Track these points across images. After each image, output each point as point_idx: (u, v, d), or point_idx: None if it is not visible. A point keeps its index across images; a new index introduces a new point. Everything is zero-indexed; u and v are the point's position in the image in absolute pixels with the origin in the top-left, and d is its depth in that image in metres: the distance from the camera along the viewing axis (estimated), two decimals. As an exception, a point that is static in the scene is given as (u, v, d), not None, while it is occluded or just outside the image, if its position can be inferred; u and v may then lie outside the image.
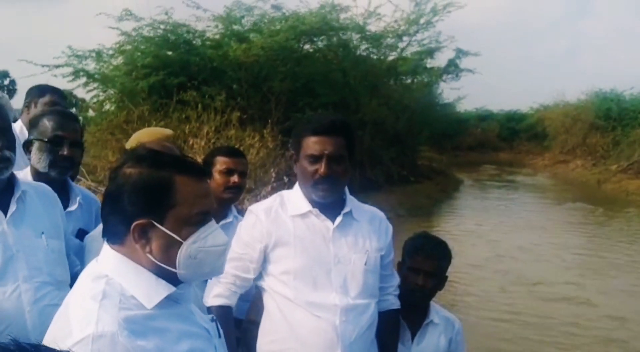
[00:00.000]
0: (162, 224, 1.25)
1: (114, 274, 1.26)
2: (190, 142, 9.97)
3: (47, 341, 1.21)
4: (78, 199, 2.36)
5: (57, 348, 0.90)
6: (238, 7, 13.02)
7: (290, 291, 1.97)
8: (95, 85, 12.67)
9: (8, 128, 1.89)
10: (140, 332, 1.19)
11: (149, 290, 1.26)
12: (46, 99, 3.47)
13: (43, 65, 11.63)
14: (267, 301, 2.06)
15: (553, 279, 8.36)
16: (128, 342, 1.16)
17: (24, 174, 2.34)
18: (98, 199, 2.57)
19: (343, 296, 1.96)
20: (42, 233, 1.94)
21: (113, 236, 1.30)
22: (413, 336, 2.37)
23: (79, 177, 8.82)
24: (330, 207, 2.02)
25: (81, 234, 2.29)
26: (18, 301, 1.82)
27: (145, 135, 2.49)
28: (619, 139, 24.72)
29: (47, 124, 2.25)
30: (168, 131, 2.69)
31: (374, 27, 15.15)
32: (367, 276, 2.02)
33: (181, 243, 1.26)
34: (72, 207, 2.33)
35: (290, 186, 8.64)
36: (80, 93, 12.80)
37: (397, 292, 2.23)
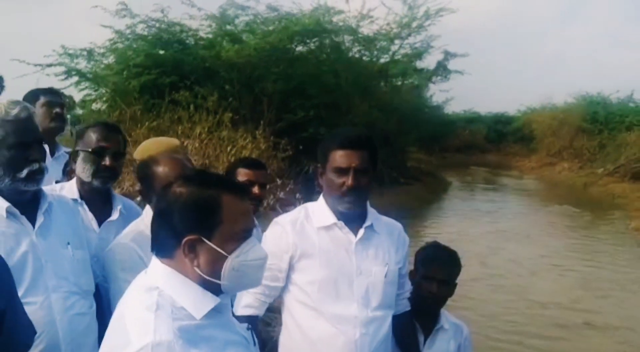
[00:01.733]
0: (210, 240, 1.35)
1: (165, 286, 1.35)
2: (184, 143, 9.94)
3: (104, 350, 1.31)
4: (119, 208, 2.45)
5: None
6: (232, 7, 13.02)
7: (313, 301, 2.03)
8: (87, 84, 12.61)
9: (40, 140, 1.95)
10: (193, 341, 1.28)
11: (197, 301, 1.35)
12: (41, 101, 3.50)
13: (35, 65, 11.56)
14: (286, 316, 2.13)
15: (538, 286, 8.51)
16: (183, 350, 1.24)
17: (69, 185, 2.44)
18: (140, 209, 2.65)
19: (363, 308, 2.04)
20: (68, 243, 2.00)
21: (162, 250, 1.40)
22: (425, 340, 2.46)
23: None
24: (353, 219, 2.10)
25: (112, 243, 2.35)
26: (49, 310, 1.87)
27: (154, 146, 2.54)
28: (605, 143, 25.01)
29: (91, 135, 2.36)
30: (175, 141, 2.74)
31: (366, 29, 15.28)
32: (386, 287, 2.11)
33: (226, 257, 1.36)
34: (114, 217, 2.42)
35: (283, 187, 8.66)
36: (71, 92, 12.72)
37: (408, 295, 2.33)
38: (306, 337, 2.04)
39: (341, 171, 2.02)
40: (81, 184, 2.39)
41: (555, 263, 9.61)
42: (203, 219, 1.35)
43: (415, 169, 20.37)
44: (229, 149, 10.03)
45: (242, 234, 1.38)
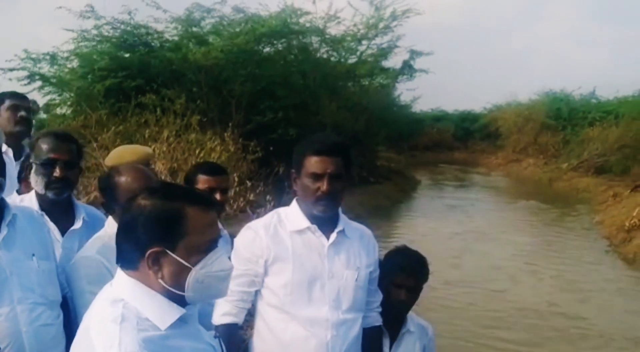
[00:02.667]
0: (173, 252, 1.35)
1: (130, 298, 1.36)
2: (151, 147, 9.84)
3: None
4: (82, 216, 2.43)
5: None
6: (198, 9, 12.93)
7: (285, 304, 2.06)
8: (51, 88, 12.39)
9: None
10: None
11: (161, 312, 1.36)
12: (6, 104, 3.47)
13: (-1, 69, 11.32)
14: (258, 320, 2.16)
15: (499, 277, 8.66)
16: None
17: (29, 197, 2.42)
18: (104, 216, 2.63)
19: (335, 310, 2.08)
20: (33, 255, 1.98)
21: (127, 262, 1.39)
22: (391, 343, 2.51)
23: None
24: (326, 224, 2.14)
25: (75, 256, 2.32)
26: (15, 321, 1.86)
27: (128, 153, 2.53)
28: (569, 138, 25.54)
29: (41, 146, 2.34)
30: (148, 150, 2.72)
31: (333, 30, 15.31)
32: (357, 291, 2.15)
33: (190, 269, 1.36)
34: (77, 226, 2.41)
35: (253, 189, 8.61)
36: (35, 96, 12.47)
37: (380, 309, 2.37)
38: (278, 340, 2.07)
39: (316, 177, 2.05)
40: (39, 195, 2.38)
41: (526, 262, 9.77)
42: (167, 231, 1.35)
43: (385, 168, 20.51)
44: (197, 152, 9.95)
45: (207, 246, 1.39)
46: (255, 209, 8.87)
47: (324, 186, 2.04)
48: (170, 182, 1.60)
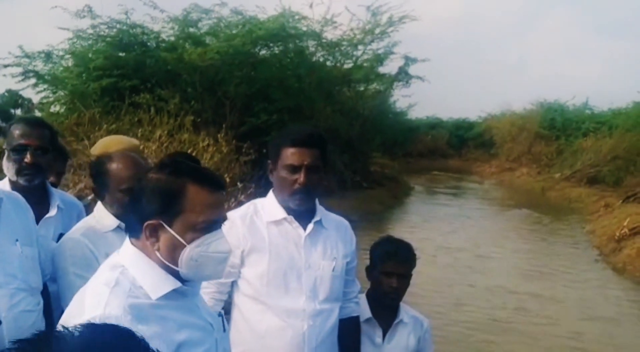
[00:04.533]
0: (170, 227, 1.39)
1: (129, 266, 1.41)
2: (141, 147, 9.80)
3: (62, 319, 1.37)
4: (57, 204, 2.41)
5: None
6: (195, 10, 12.94)
7: (262, 295, 2.06)
8: (45, 86, 12.37)
9: None
10: (143, 319, 1.33)
11: (156, 283, 1.40)
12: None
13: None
14: (234, 311, 2.15)
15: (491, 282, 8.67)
16: (130, 326, 1.24)
17: (2, 184, 2.39)
18: (80, 203, 2.62)
19: (311, 301, 2.08)
20: (17, 240, 1.96)
21: (132, 231, 1.45)
22: (384, 334, 2.49)
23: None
24: (303, 215, 2.13)
25: (62, 238, 2.31)
26: None
27: (114, 143, 2.53)
28: (562, 148, 25.64)
29: (13, 132, 2.31)
30: (134, 141, 2.72)
31: (330, 34, 15.36)
32: (334, 281, 2.15)
33: (185, 246, 1.40)
34: (52, 213, 2.38)
35: (244, 190, 8.59)
36: (29, 94, 12.47)
37: (357, 299, 2.36)
38: (254, 331, 2.06)
39: (293, 169, 2.05)
40: (11, 182, 2.35)
41: (515, 268, 9.80)
42: (166, 205, 1.39)
43: (378, 174, 20.52)
44: (189, 152, 9.91)
45: (203, 226, 1.41)
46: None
47: (301, 178, 2.03)
48: (183, 160, 1.65)
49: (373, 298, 2.48)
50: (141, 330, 1.25)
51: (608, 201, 15.95)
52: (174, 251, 1.40)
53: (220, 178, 1.52)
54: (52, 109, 12.92)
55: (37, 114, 13.23)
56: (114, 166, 2.17)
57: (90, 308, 1.31)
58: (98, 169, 2.22)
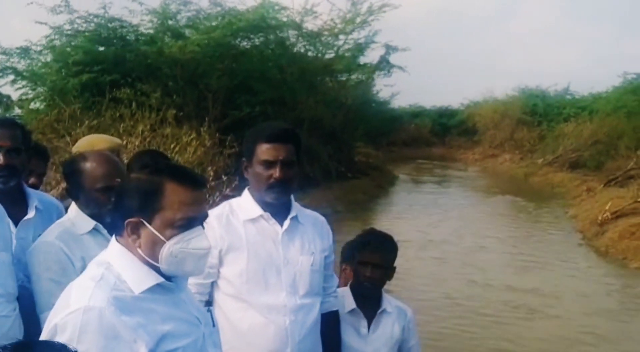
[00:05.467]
0: (150, 224, 1.45)
1: (114, 262, 1.47)
2: (126, 142, 9.71)
3: (51, 314, 1.43)
4: (35, 205, 2.34)
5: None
6: (174, 1, 12.81)
7: (242, 293, 2.07)
8: (24, 82, 12.20)
9: None
10: (127, 310, 1.39)
11: (138, 278, 1.46)
12: None
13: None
14: (215, 311, 2.13)
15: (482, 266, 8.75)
16: (113, 316, 1.35)
17: None
18: (59, 202, 2.56)
19: (292, 296, 2.10)
20: None
21: (117, 229, 1.51)
22: (369, 325, 2.52)
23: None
24: (279, 211, 2.15)
25: (35, 242, 2.27)
26: None
27: (100, 141, 2.50)
28: (544, 134, 25.88)
29: None
30: (118, 140, 2.70)
31: (310, 25, 15.31)
32: (313, 275, 2.17)
33: (164, 242, 1.44)
34: (30, 215, 2.32)
35: (229, 184, 8.55)
36: (8, 91, 12.29)
37: (337, 293, 2.39)
38: (236, 329, 2.07)
39: (268, 164, 2.06)
40: None
41: (499, 253, 9.92)
42: (145, 203, 1.45)
43: (363, 164, 20.56)
44: (172, 146, 9.86)
45: (182, 223, 1.45)
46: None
47: (276, 173, 2.05)
48: (165, 160, 1.71)
49: (355, 289, 2.52)
50: (123, 320, 1.36)
51: (590, 185, 16.15)
52: (154, 247, 1.44)
53: (199, 176, 1.56)
54: (32, 105, 12.76)
55: (17, 110, 13.05)
56: (88, 165, 2.13)
57: (75, 300, 1.37)
58: (71, 169, 2.18)
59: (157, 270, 1.47)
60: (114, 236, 1.53)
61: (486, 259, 9.42)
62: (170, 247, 1.44)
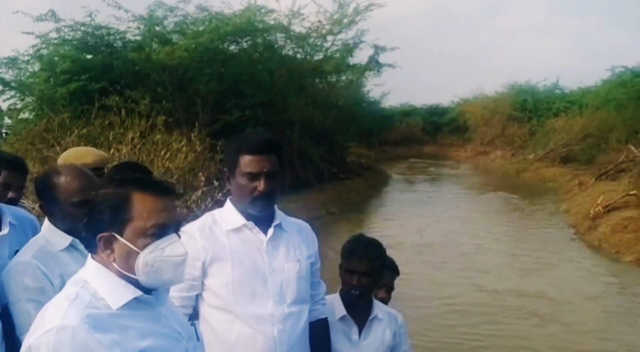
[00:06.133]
0: (121, 236, 1.44)
1: (91, 279, 1.46)
2: (112, 150, 9.64)
3: (27, 335, 1.42)
4: (9, 220, 2.30)
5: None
6: (160, 7, 12.76)
7: (228, 304, 2.03)
8: (12, 93, 12.12)
9: None
10: (101, 327, 1.37)
11: (115, 293, 1.44)
12: None
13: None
14: (201, 324, 2.10)
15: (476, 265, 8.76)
16: (87, 334, 1.34)
17: None
18: (34, 217, 2.52)
19: (279, 305, 2.06)
20: None
21: (91, 247, 1.50)
22: (360, 331, 2.51)
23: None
24: (262, 220, 2.12)
25: (11, 262, 2.21)
26: None
27: (89, 154, 2.47)
28: (535, 129, 26.00)
29: None
30: (105, 154, 2.65)
31: (298, 27, 15.31)
32: (300, 283, 2.14)
33: (138, 253, 1.43)
34: (4, 231, 2.27)
35: (220, 189, 8.51)
36: (-4, 102, 12.21)
37: (325, 301, 2.36)
38: (223, 342, 2.03)
39: (252, 176, 2.03)
40: None
41: (494, 250, 9.93)
42: (114, 216, 1.44)
43: (355, 164, 20.58)
44: (163, 153, 9.81)
45: (154, 231, 1.44)
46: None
47: (261, 185, 2.02)
48: (143, 171, 1.71)
49: (345, 296, 2.50)
50: (97, 338, 1.35)
51: (582, 179, 16.21)
52: (129, 259, 1.43)
53: (167, 183, 1.54)
54: (21, 115, 12.68)
55: (7, 121, 12.97)
56: (62, 180, 2.09)
57: (49, 320, 1.36)
58: (45, 184, 2.13)
59: (136, 284, 1.45)
60: (89, 254, 1.51)
61: (485, 261, 9.25)
62: (145, 257, 1.42)
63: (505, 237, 11.16)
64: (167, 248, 1.44)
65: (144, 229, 1.43)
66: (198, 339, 1.62)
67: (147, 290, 1.48)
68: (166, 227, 1.46)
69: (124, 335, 1.40)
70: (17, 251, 2.25)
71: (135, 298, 1.45)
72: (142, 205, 1.44)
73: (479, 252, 9.81)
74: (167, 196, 1.49)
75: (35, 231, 2.38)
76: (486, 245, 10.33)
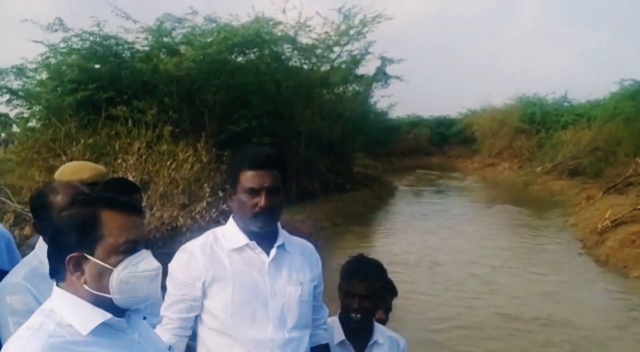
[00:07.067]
0: (92, 255, 1.40)
1: (57, 308, 1.41)
2: (119, 161, 9.67)
3: None
4: None
5: None
6: (168, 19, 12.84)
7: (227, 327, 1.96)
8: (19, 102, 12.20)
9: None
10: None
11: (84, 318, 1.39)
12: None
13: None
14: (199, 347, 2.05)
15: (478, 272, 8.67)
16: None
17: None
18: (7, 231, 2.46)
19: (279, 330, 1.99)
20: None
21: (57, 274, 1.45)
22: None
23: (4, 199, 8.48)
24: (265, 240, 2.05)
25: (2, 282, 2.16)
26: None
27: (86, 168, 2.44)
28: (543, 142, 25.89)
29: None
30: (103, 169, 2.62)
31: (305, 38, 15.34)
32: (302, 307, 2.06)
33: (112, 270, 1.39)
34: None
35: (225, 200, 8.47)
36: (4, 109, 12.30)
37: (327, 325, 2.29)
38: None
39: (253, 192, 1.97)
40: None
41: (502, 265, 9.78)
42: (83, 236, 1.40)
43: (362, 175, 20.55)
44: (168, 163, 9.82)
45: (125, 247, 1.41)
46: (228, 219, 8.75)
47: (261, 201, 1.95)
48: (91, 192, 1.66)
49: (344, 320, 2.39)
50: None
51: (589, 192, 16.11)
52: (102, 279, 1.39)
53: (133, 203, 1.52)
54: (29, 124, 12.77)
55: (15, 129, 13.07)
56: (59, 198, 2.04)
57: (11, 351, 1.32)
58: (41, 202, 2.08)
59: (108, 307, 1.41)
60: (54, 283, 1.46)
61: (499, 282, 8.80)
62: (119, 274, 1.39)
63: (515, 255, 10.87)
64: (140, 263, 1.42)
65: (116, 246, 1.40)
66: None
67: (117, 313, 1.43)
68: (137, 243, 1.44)
69: None
70: None
71: (105, 324, 1.40)
72: (112, 222, 1.41)
73: (490, 272, 9.39)
74: (134, 213, 1.48)
75: (9, 245, 2.34)
76: (496, 263, 9.96)
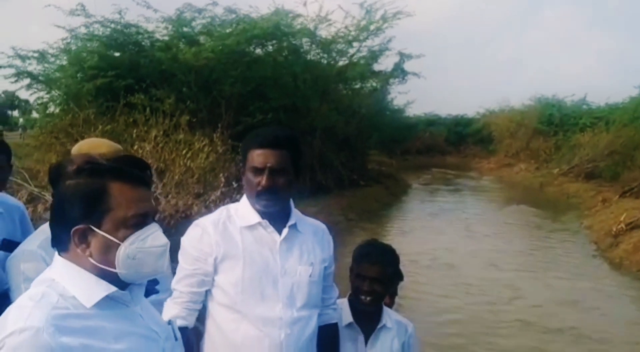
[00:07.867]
0: (99, 228, 1.34)
1: (59, 278, 1.36)
2: (135, 147, 9.76)
3: None
4: None
5: None
6: (189, 9, 12.91)
7: (237, 303, 1.99)
8: (39, 86, 12.33)
9: None
10: (69, 330, 1.27)
11: (88, 290, 1.35)
12: None
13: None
14: (208, 321, 2.08)
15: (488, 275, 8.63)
16: (51, 338, 1.24)
17: None
18: (21, 204, 2.49)
19: (288, 308, 2.01)
20: None
21: (60, 244, 1.39)
22: (366, 340, 2.42)
23: (20, 182, 8.59)
24: (277, 218, 2.06)
25: (6, 244, 2.21)
26: None
27: (104, 145, 2.46)
28: (560, 144, 25.69)
29: None
30: (118, 146, 2.63)
31: (324, 32, 15.32)
32: (311, 287, 2.08)
33: (119, 244, 1.35)
34: None
35: (239, 190, 8.55)
36: (26, 95, 12.47)
37: (336, 305, 2.30)
38: (229, 341, 1.99)
39: (257, 171, 1.99)
40: None
41: (516, 267, 9.65)
42: (90, 207, 1.35)
43: (376, 171, 20.51)
44: (184, 152, 9.89)
45: (134, 221, 1.36)
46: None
47: (263, 180, 1.97)
48: (98, 160, 1.62)
49: (353, 302, 2.40)
50: (64, 342, 1.25)
51: (605, 195, 15.95)
52: (108, 252, 1.35)
53: (142, 175, 1.46)
54: (48, 110, 12.92)
55: (34, 115, 13.23)
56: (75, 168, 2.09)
57: (12, 322, 1.26)
58: (57, 173, 2.14)
59: (112, 279, 1.37)
60: (55, 253, 1.41)
61: (519, 289, 8.40)
62: (127, 249, 1.34)
63: (530, 257, 10.64)
64: (148, 238, 1.37)
65: (125, 219, 1.35)
66: (176, 339, 1.55)
67: (121, 286, 1.39)
68: (147, 216, 1.39)
69: (96, 338, 1.31)
70: (4, 239, 2.24)
71: (109, 297, 1.36)
72: (121, 194, 1.36)
73: (506, 276, 9.07)
74: (144, 185, 1.43)
75: (23, 218, 2.36)
76: (512, 266, 9.68)
